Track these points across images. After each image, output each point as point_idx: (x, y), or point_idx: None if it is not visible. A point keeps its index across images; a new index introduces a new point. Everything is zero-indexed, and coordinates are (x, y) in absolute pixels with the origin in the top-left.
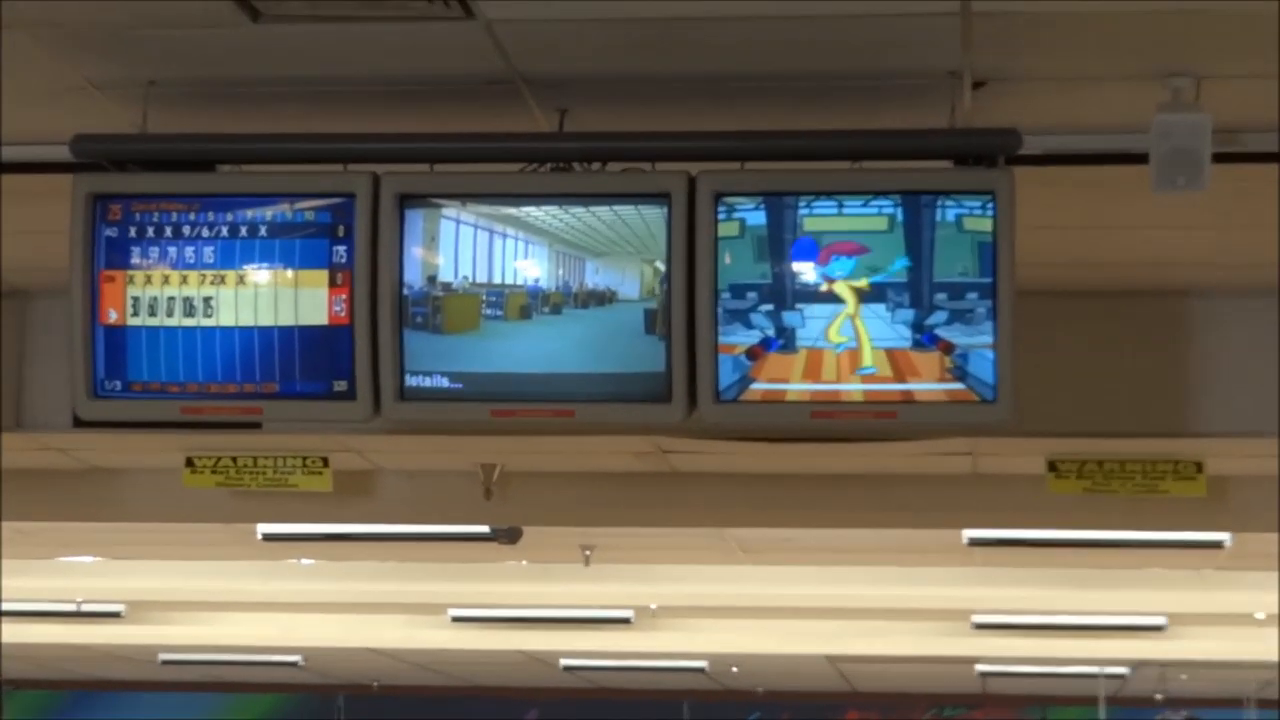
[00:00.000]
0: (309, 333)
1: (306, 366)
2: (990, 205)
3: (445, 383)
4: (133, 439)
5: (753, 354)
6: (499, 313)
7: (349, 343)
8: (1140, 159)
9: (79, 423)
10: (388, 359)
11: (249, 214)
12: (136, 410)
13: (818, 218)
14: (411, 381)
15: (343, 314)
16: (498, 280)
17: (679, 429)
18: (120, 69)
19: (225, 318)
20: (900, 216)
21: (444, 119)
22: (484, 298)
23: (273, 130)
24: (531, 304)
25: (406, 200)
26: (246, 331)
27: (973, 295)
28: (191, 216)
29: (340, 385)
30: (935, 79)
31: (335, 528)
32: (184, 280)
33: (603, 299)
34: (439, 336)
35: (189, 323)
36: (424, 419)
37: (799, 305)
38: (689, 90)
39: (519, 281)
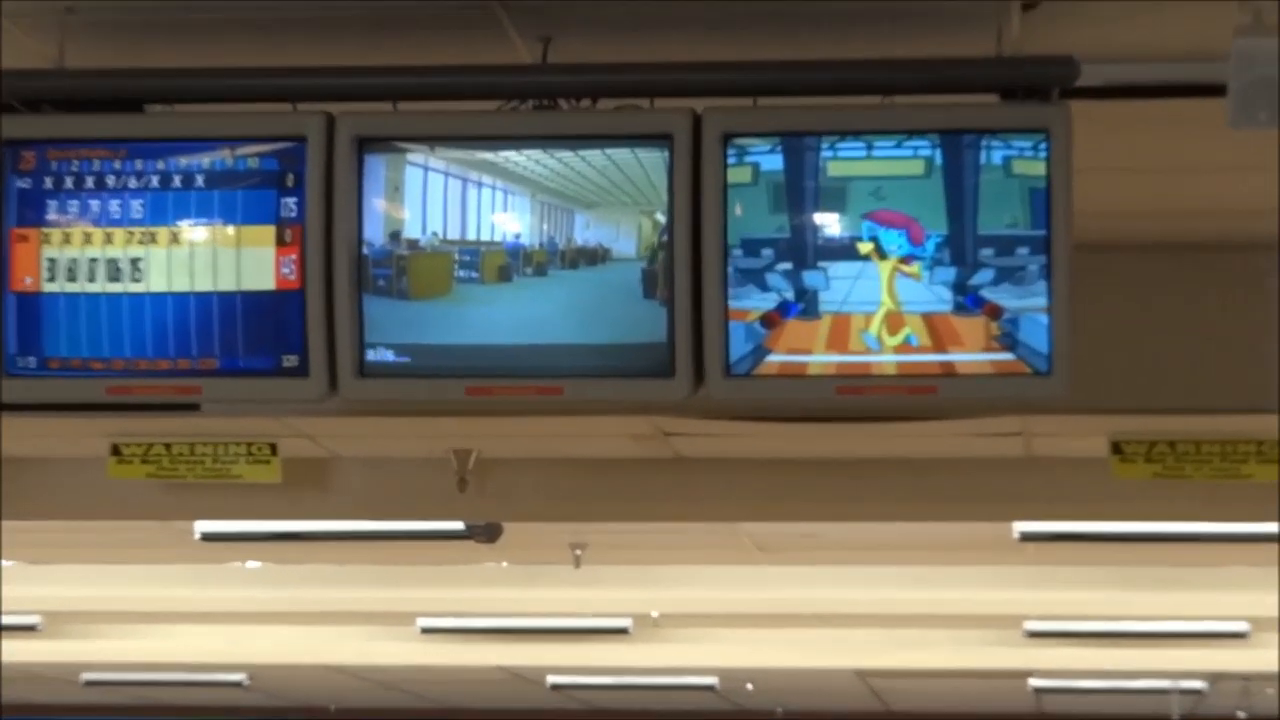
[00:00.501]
0: (254, 299)
1: (251, 339)
2: (1043, 146)
3: (412, 356)
4: (48, 424)
5: (768, 321)
6: (474, 275)
7: (300, 311)
8: (1216, 91)
9: None
10: (345, 329)
11: (183, 161)
12: (55, 391)
13: (843, 162)
14: (373, 355)
15: (292, 277)
16: (472, 237)
17: (683, 408)
18: None
19: (156, 283)
20: (939, 160)
21: (409, 50)
22: (456, 257)
23: (210, 64)
24: (511, 264)
25: (366, 144)
26: (181, 298)
27: (1023, 251)
28: (116, 165)
29: (290, 360)
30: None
31: (285, 525)
32: (108, 239)
33: (594, 258)
34: (404, 303)
35: (114, 289)
36: (387, 398)
37: (822, 264)
38: (693, 14)
39: (497, 238)
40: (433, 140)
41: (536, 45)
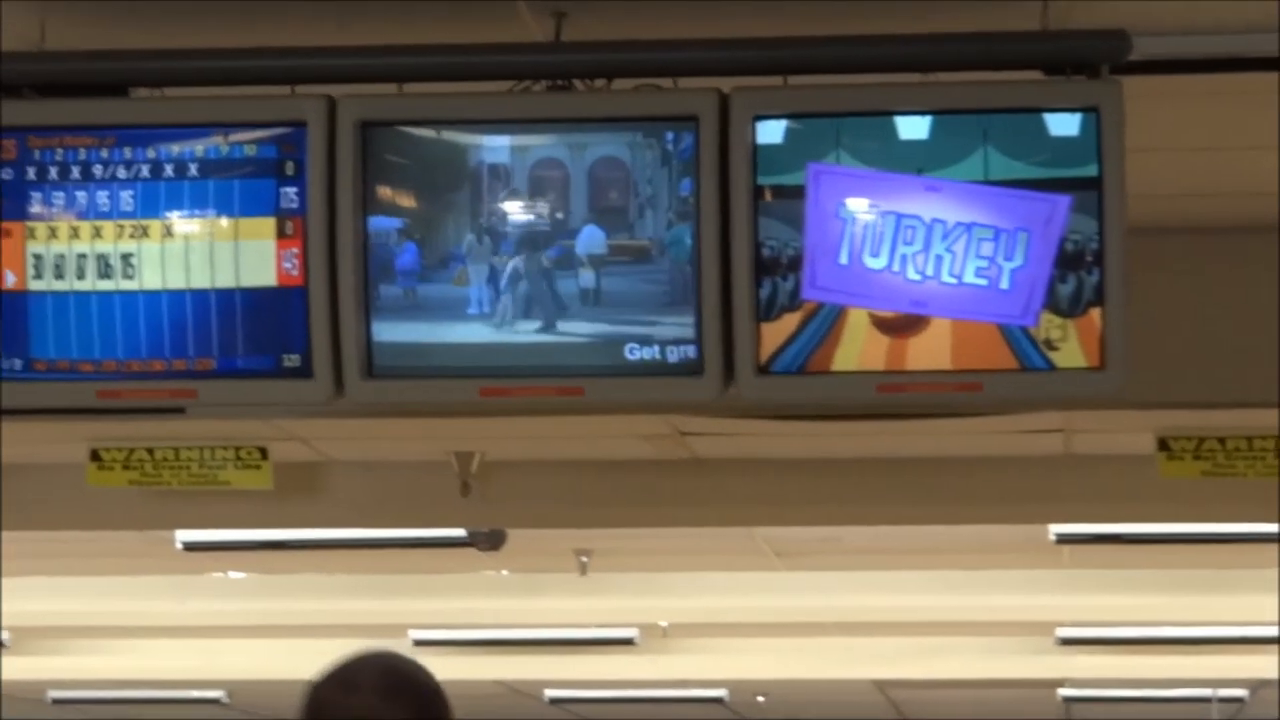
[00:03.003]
0: (253, 296)
1: (250, 338)
2: (1092, 125)
3: (422, 356)
4: (24, 427)
5: None
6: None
7: (303, 308)
8: (1273, 64)
9: None
10: (351, 327)
11: (175, 149)
12: (42, 395)
13: None
14: (381, 355)
15: (294, 272)
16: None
17: (708, 407)
18: None
19: (149, 279)
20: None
21: (414, 28)
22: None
23: (201, 45)
24: (526, 257)
25: (370, 129)
26: (176, 296)
27: (1075, 237)
28: (104, 153)
29: (292, 360)
30: None
31: (273, 534)
32: (97, 233)
33: (617, 249)
34: (414, 298)
35: (105, 286)
36: (397, 400)
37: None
38: None
39: (509, 229)
40: (441, 124)
41: (549, 21)
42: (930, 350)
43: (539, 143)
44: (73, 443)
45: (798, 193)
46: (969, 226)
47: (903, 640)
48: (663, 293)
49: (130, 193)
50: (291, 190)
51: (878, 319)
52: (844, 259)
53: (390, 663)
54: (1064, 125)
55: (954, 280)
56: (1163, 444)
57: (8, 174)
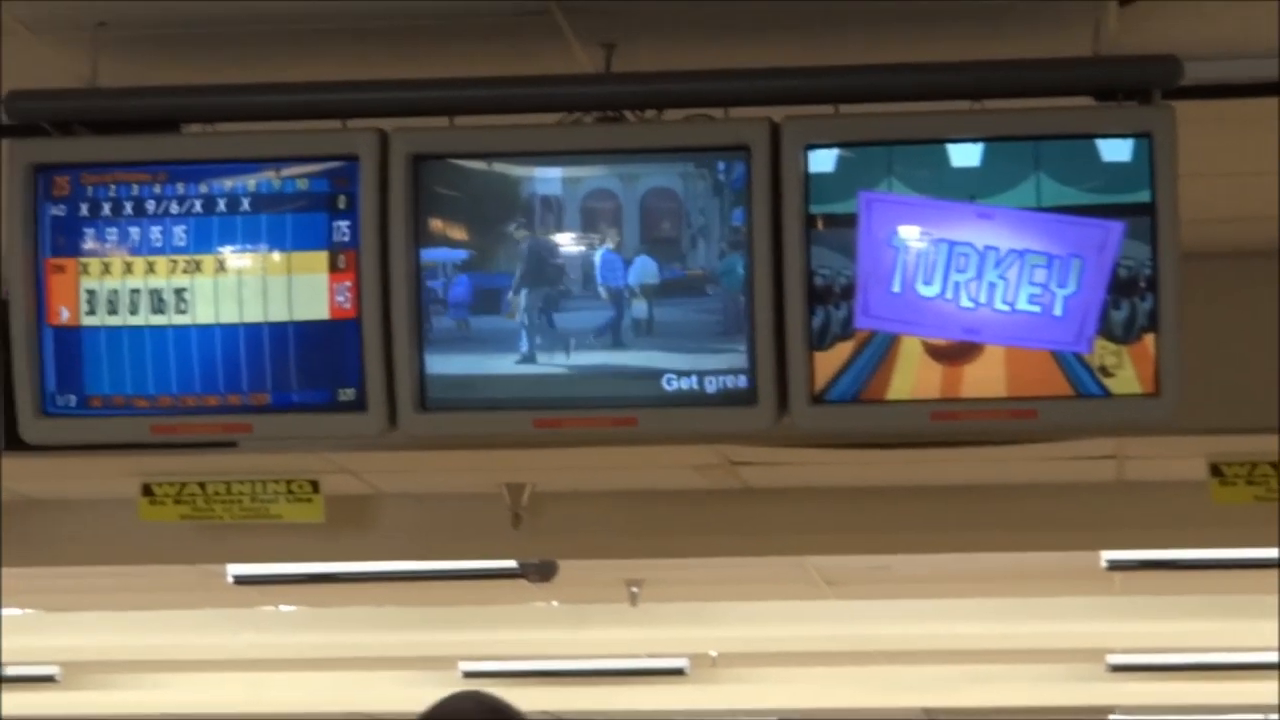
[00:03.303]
0: (306, 329)
1: (304, 371)
2: (1145, 150)
3: (475, 388)
4: (76, 463)
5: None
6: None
7: (356, 341)
8: None
9: (11, 445)
10: (404, 360)
11: (227, 184)
12: (97, 431)
13: None
14: (434, 387)
15: (347, 306)
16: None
17: (760, 436)
18: (62, 9)
19: (203, 314)
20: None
21: (464, 60)
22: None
23: (253, 80)
24: (578, 286)
25: (422, 162)
26: (229, 330)
27: (1129, 263)
28: (156, 189)
29: (346, 394)
30: None
31: (324, 567)
32: (150, 268)
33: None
34: (467, 330)
35: (158, 321)
36: (450, 432)
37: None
38: (766, 17)
39: (561, 260)
40: (491, 156)
41: (599, 52)
42: (984, 378)
43: (590, 174)
44: (124, 478)
45: (850, 221)
46: (1022, 253)
47: (952, 668)
48: (715, 323)
49: (183, 228)
50: (344, 224)
51: (931, 347)
52: (896, 287)
53: (488, 700)
54: (1116, 151)
55: (1007, 307)
56: (1215, 469)
57: (61, 210)
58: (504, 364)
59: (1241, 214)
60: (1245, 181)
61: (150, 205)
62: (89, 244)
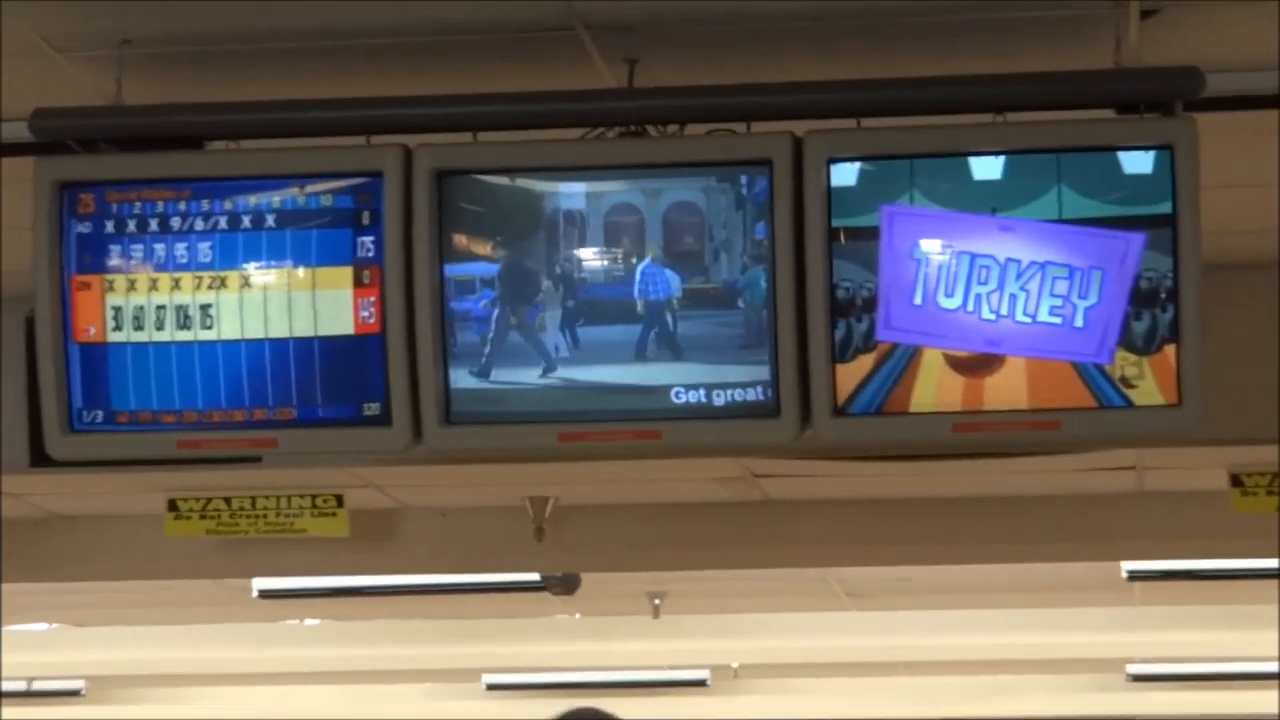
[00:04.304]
0: (331, 345)
1: (330, 386)
2: (1166, 162)
3: (500, 401)
4: (102, 479)
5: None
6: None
7: (381, 356)
8: None
9: (38, 461)
10: (429, 374)
11: (251, 201)
12: (123, 446)
13: None
14: (459, 401)
15: (372, 320)
16: (559, 272)
17: (783, 449)
18: (87, 26)
19: (228, 330)
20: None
21: (487, 76)
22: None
23: (277, 97)
24: (601, 300)
25: (445, 177)
26: (255, 345)
27: (1150, 274)
28: (181, 206)
29: (372, 408)
30: (1094, 6)
31: (349, 580)
32: (175, 285)
33: (692, 292)
34: (490, 344)
35: (184, 337)
36: (475, 446)
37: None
38: (788, 31)
39: (584, 273)
40: (515, 171)
41: (622, 68)
42: (1006, 389)
43: (613, 189)
44: (150, 493)
45: (872, 234)
46: (1043, 265)
47: (974, 679)
48: (738, 336)
49: (208, 244)
50: (368, 239)
51: (952, 359)
52: (918, 299)
53: (603, 716)
54: (1138, 163)
55: (1028, 319)
56: (1235, 479)
57: (86, 227)
58: (528, 378)
59: (1261, 225)
60: (1264, 192)
61: (175, 222)
62: (114, 261)
